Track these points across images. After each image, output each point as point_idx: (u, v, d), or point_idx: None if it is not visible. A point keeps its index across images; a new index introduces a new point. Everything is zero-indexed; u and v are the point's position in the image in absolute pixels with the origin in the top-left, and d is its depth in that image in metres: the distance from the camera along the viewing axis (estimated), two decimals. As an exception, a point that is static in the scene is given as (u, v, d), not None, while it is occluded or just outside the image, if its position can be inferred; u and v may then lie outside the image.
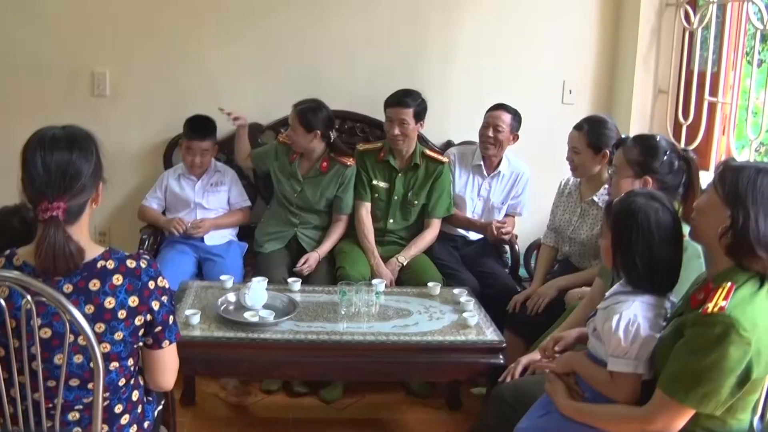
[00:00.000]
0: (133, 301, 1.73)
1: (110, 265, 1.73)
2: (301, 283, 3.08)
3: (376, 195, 3.61)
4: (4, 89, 3.76)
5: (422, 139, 3.74)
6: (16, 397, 1.72)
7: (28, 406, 1.72)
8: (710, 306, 1.68)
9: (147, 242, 3.51)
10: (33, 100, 3.74)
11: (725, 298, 1.68)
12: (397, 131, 3.46)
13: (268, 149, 3.73)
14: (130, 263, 1.76)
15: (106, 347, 1.72)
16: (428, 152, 3.60)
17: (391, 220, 3.62)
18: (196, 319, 2.64)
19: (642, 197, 1.96)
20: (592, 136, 3.08)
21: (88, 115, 3.66)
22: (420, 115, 3.49)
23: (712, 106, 3.51)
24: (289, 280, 3.09)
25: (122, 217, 3.87)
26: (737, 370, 1.66)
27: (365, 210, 3.60)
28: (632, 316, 1.86)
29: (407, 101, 3.45)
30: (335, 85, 3.85)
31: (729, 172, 1.78)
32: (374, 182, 3.60)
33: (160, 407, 2.11)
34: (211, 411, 3.17)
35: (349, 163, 3.60)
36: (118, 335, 1.72)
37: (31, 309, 1.63)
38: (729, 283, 1.71)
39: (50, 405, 1.72)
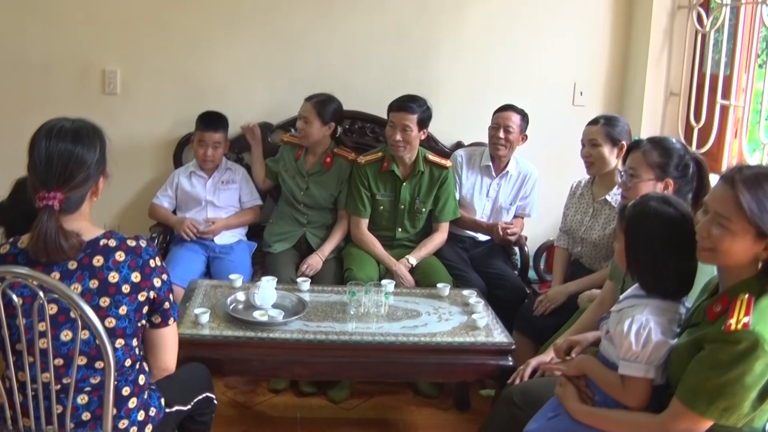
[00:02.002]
0: (135, 276, 1.80)
1: (112, 243, 1.80)
2: (310, 283, 3.08)
3: (381, 207, 3.55)
4: (15, 86, 3.77)
5: (431, 139, 3.73)
6: (26, 380, 1.74)
7: (38, 389, 1.73)
8: (733, 323, 1.64)
9: (157, 240, 3.52)
10: (43, 98, 3.75)
11: (747, 313, 1.65)
12: (398, 137, 3.38)
13: (276, 158, 3.74)
14: (131, 242, 1.83)
15: (111, 322, 1.77)
16: (431, 157, 3.53)
17: (399, 229, 3.59)
18: (205, 318, 2.64)
19: (656, 201, 1.94)
20: (609, 128, 3.10)
21: (98, 112, 3.65)
22: (424, 123, 3.41)
23: (724, 109, 3.50)
24: (298, 279, 3.09)
25: (132, 215, 3.88)
26: (759, 384, 1.65)
27: (364, 225, 3.54)
28: (644, 320, 1.85)
29: (412, 107, 3.37)
30: (345, 85, 3.85)
31: (748, 187, 1.67)
32: (377, 196, 3.53)
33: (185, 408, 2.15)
34: (219, 409, 3.12)
35: (350, 158, 3.60)
36: (123, 309, 1.78)
37: (39, 298, 1.66)
38: (746, 295, 1.68)
39: (59, 386, 1.74)
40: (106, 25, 3.76)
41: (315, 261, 3.47)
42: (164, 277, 1.88)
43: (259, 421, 3.11)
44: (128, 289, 1.78)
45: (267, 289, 2.79)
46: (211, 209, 3.64)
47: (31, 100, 3.76)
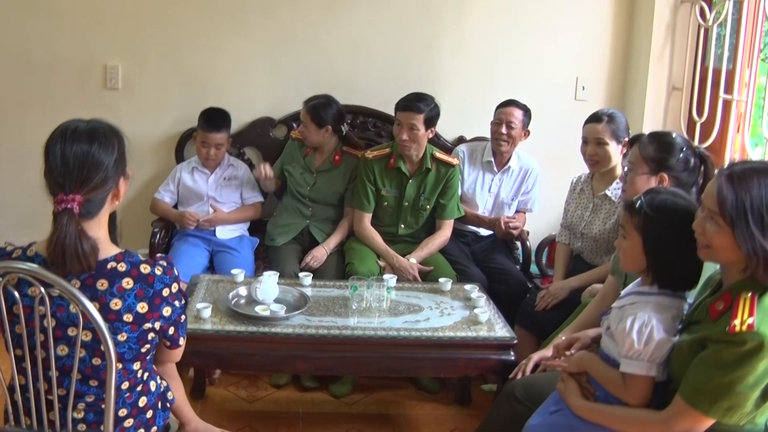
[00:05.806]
0: (142, 307, 1.69)
1: (121, 267, 1.69)
2: (312, 277, 3.08)
3: (386, 203, 3.54)
4: (18, 82, 3.77)
5: (435, 135, 3.72)
6: (28, 381, 1.71)
7: (40, 389, 1.70)
8: (737, 324, 1.63)
9: (158, 235, 3.52)
10: (46, 93, 3.76)
11: (751, 313, 1.63)
12: (405, 136, 3.37)
13: (284, 155, 3.74)
14: (144, 268, 1.71)
15: None
16: (438, 155, 3.51)
17: (402, 225, 3.59)
18: (207, 313, 2.64)
19: (669, 195, 1.91)
20: (613, 126, 3.08)
21: (100, 108, 3.68)
22: (431, 122, 3.39)
23: (727, 104, 3.49)
24: (301, 274, 3.09)
25: (134, 209, 3.88)
26: (762, 383, 1.64)
27: (367, 220, 3.54)
28: (646, 317, 1.83)
29: (419, 106, 3.34)
30: (347, 80, 3.85)
31: (731, 181, 1.67)
32: (383, 192, 3.52)
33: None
34: (221, 404, 3.17)
35: (359, 156, 3.60)
36: (122, 336, 1.68)
37: (42, 297, 1.62)
38: (749, 294, 1.67)
39: (52, 397, 1.71)
40: (108, 20, 3.76)
41: (320, 253, 3.47)
42: (176, 303, 1.76)
43: (261, 416, 3.11)
44: (130, 319, 1.68)
45: (269, 284, 2.79)
46: (213, 205, 3.63)
47: (33, 95, 3.76)
